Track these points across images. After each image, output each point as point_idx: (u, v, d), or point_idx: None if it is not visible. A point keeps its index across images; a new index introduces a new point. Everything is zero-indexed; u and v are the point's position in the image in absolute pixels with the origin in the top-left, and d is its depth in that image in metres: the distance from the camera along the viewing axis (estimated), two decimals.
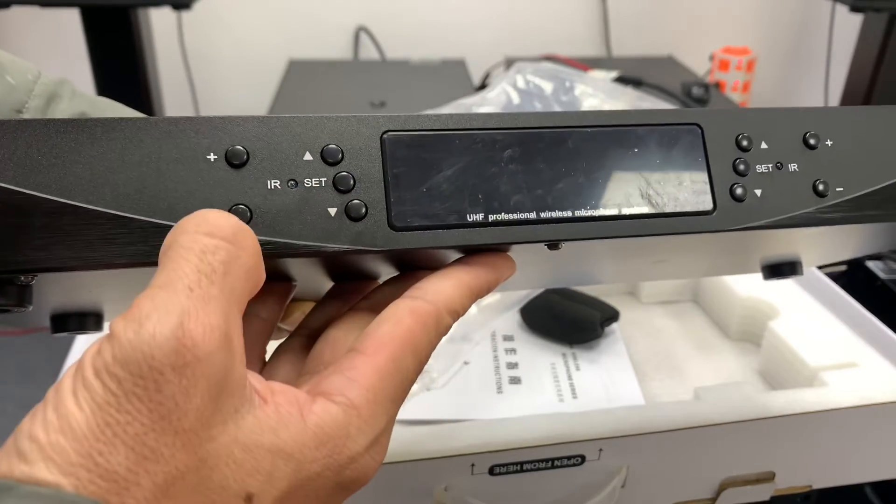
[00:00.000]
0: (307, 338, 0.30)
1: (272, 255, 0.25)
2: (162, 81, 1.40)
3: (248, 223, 0.25)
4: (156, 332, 0.19)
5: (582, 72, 0.84)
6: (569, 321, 0.64)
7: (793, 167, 0.31)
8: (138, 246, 0.24)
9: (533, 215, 0.28)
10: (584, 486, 0.49)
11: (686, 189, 0.30)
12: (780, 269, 0.38)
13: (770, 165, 0.31)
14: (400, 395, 0.25)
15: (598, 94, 0.77)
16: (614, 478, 0.49)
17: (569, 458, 0.48)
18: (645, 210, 0.29)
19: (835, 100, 1.45)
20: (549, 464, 0.47)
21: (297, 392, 0.23)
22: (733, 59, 1.53)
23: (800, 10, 1.78)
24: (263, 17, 1.65)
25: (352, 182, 0.26)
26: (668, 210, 0.29)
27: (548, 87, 0.78)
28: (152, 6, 1.25)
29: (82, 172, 0.24)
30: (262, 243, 0.24)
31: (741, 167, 0.30)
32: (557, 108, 0.76)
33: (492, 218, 0.27)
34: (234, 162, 0.25)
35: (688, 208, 0.30)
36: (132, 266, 0.24)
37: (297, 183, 0.26)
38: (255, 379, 0.23)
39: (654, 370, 0.63)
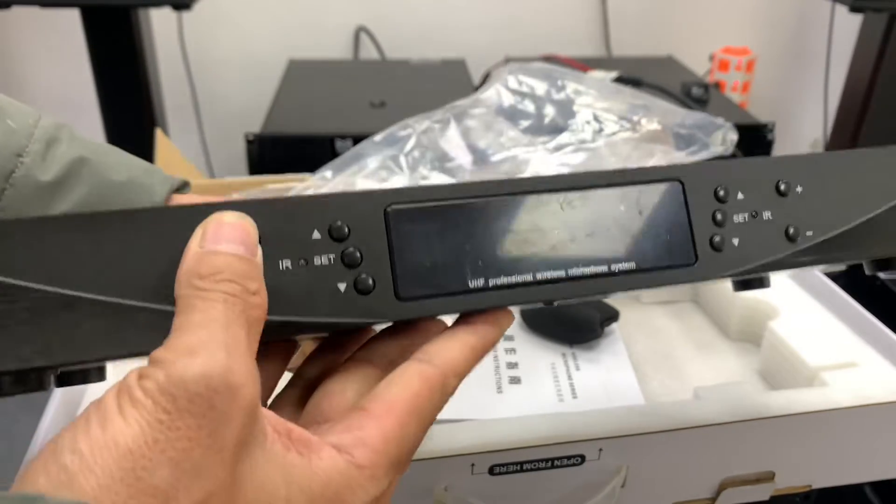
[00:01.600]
0: (303, 389, 0.30)
1: (286, 332, 0.26)
2: (162, 81, 1.40)
3: None
4: (210, 358, 0.21)
5: (575, 71, 0.83)
6: (569, 321, 0.64)
7: (767, 215, 0.33)
8: (155, 334, 0.24)
9: (530, 277, 0.29)
10: (584, 486, 0.49)
11: (669, 243, 0.31)
12: (749, 284, 0.39)
13: (746, 215, 0.32)
14: (403, 459, 0.26)
15: (590, 93, 0.77)
16: (614, 478, 0.49)
17: (569, 458, 0.48)
18: (632, 266, 0.31)
19: (834, 100, 1.45)
20: (549, 464, 0.47)
21: (309, 435, 0.24)
22: (733, 59, 1.53)
23: (799, 10, 1.78)
24: (263, 17, 1.65)
25: (359, 257, 0.27)
26: (652, 265, 0.31)
27: (540, 87, 0.78)
28: (152, 6, 1.25)
29: (93, 265, 0.24)
30: (276, 323, 0.26)
31: (719, 218, 0.32)
32: (550, 108, 0.76)
33: (492, 283, 0.29)
34: None
35: (671, 262, 0.31)
36: (148, 354, 0.25)
37: (307, 262, 0.27)
38: (271, 416, 0.24)
39: (654, 370, 0.63)
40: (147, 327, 0.24)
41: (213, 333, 0.22)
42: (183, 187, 0.40)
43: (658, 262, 0.31)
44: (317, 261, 0.27)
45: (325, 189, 0.66)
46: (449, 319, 0.31)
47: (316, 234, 0.27)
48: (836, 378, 0.55)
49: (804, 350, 0.58)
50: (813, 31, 1.75)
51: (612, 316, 0.64)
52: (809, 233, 0.33)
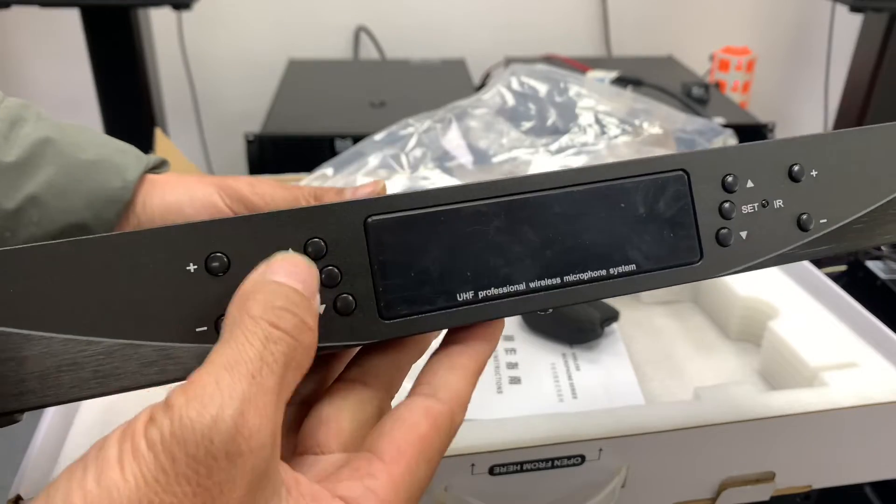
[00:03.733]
0: (296, 405, 0.29)
1: None
2: (162, 81, 1.40)
3: None
4: (218, 417, 0.20)
5: (577, 73, 0.84)
6: (569, 321, 0.64)
7: (778, 203, 0.30)
8: (110, 367, 0.23)
9: (522, 286, 0.27)
10: (584, 486, 0.49)
11: (672, 241, 0.29)
12: None
13: (756, 204, 0.30)
14: (413, 502, 0.25)
15: (592, 96, 0.77)
16: (614, 478, 0.49)
17: (569, 458, 0.48)
18: (632, 268, 0.28)
19: (834, 100, 1.45)
20: (549, 464, 0.47)
21: (318, 488, 0.23)
22: (733, 59, 1.53)
23: (800, 10, 1.78)
24: (263, 17, 1.65)
25: (338, 274, 0.25)
26: (653, 266, 0.29)
27: (542, 88, 0.78)
28: (152, 6, 1.25)
29: (54, 300, 0.23)
30: None
31: (727, 208, 0.30)
32: (552, 110, 0.76)
33: (482, 294, 0.27)
34: (216, 270, 0.24)
35: (674, 261, 0.29)
36: (122, 392, 0.23)
37: None
38: (281, 467, 0.23)
39: (654, 370, 0.63)
40: (109, 367, 0.23)
41: (238, 381, 0.20)
42: (160, 166, 0.39)
43: (660, 263, 0.29)
44: None
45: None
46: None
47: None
48: (836, 378, 0.54)
49: (804, 350, 0.58)
50: (813, 31, 1.75)
51: (612, 316, 0.64)
52: (823, 220, 0.30)
